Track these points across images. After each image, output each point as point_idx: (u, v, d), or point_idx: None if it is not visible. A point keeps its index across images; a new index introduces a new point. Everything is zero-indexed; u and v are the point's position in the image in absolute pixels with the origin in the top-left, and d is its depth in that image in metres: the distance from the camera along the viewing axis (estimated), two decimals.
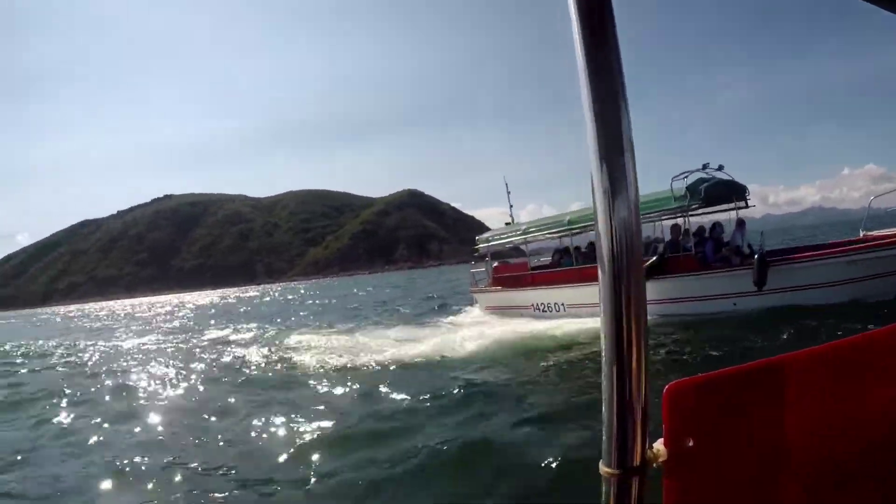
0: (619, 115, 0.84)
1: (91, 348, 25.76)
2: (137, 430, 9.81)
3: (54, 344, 30.05)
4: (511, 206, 24.89)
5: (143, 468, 7.60)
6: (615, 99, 0.84)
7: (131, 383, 14.48)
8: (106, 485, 7.26)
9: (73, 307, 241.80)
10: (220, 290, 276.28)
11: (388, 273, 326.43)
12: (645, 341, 0.89)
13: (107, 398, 12.61)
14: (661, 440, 0.98)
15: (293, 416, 9.32)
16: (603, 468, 0.95)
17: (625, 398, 0.90)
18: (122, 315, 71.82)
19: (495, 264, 24.22)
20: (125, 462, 7.78)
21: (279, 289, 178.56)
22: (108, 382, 15.01)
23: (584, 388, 9.54)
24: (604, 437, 0.94)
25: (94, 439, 9.12)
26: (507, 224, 24.23)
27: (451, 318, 23.37)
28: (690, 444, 0.98)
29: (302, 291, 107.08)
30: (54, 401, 12.89)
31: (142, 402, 12.24)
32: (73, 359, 21.94)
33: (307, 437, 8.16)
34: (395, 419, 8.73)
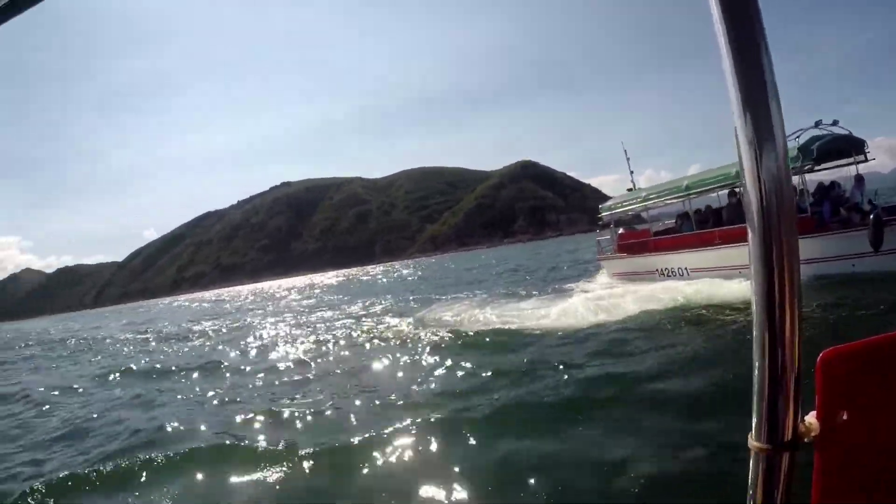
0: (761, 60, 0.80)
1: (264, 324, 29.43)
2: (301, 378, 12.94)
3: (230, 322, 34.77)
4: (632, 173, 25.70)
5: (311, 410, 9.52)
6: (755, 40, 0.79)
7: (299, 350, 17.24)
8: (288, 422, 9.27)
9: (209, 293, 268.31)
10: (342, 271, 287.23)
11: (507, 246, 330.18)
12: (799, 305, 0.85)
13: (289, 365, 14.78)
14: (813, 413, 0.93)
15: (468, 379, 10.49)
16: (752, 442, 0.92)
17: (777, 367, 0.86)
18: (258, 297, 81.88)
19: (620, 231, 25.16)
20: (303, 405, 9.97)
21: (403, 266, 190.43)
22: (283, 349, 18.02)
23: (724, 355, 9.57)
24: (753, 410, 0.91)
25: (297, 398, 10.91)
26: (628, 190, 25.27)
27: (579, 287, 23.86)
28: (845, 417, 0.92)
29: (425, 267, 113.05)
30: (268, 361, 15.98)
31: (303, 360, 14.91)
32: (274, 331, 24.84)
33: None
34: (546, 386, 9.24)
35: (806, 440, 0.91)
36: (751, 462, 0.92)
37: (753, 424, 0.91)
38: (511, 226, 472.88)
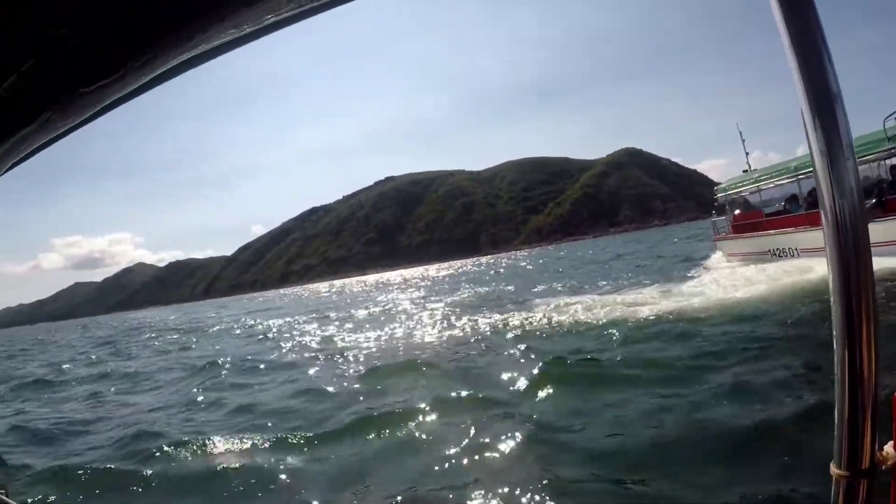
0: (824, 68, 0.86)
1: (400, 309, 33.79)
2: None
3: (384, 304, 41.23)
4: (747, 154, 27.97)
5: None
6: (817, 48, 0.86)
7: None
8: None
9: (323, 284, 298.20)
10: (447, 263, 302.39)
11: (613, 236, 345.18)
12: (876, 338, 0.86)
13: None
14: (891, 442, 0.96)
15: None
16: (833, 469, 0.94)
17: (856, 397, 0.88)
18: (388, 287, 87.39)
19: (737, 212, 27.24)
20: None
21: (509, 257, 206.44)
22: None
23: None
24: (835, 436, 0.93)
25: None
26: (744, 172, 27.55)
27: (698, 271, 25.57)
28: None
29: (535, 258, 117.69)
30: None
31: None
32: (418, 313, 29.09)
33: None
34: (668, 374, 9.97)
35: (884, 468, 0.93)
36: (832, 488, 0.95)
37: (834, 452, 0.93)
38: (616, 215, 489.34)
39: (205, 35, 1.32)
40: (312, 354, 19.05)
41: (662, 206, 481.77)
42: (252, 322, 43.91)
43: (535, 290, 31.80)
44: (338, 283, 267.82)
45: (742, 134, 27.95)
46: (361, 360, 16.29)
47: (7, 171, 2.23)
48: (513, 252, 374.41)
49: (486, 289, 41.22)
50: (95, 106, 1.79)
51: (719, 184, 30.32)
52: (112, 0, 1.33)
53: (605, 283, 28.67)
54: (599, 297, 21.34)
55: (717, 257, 28.28)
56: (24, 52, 1.60)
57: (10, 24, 1.47)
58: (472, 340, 16.81)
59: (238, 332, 36.19)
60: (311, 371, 16.05)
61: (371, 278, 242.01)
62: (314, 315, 40.76)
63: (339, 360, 16.82)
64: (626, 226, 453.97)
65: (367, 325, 26.00)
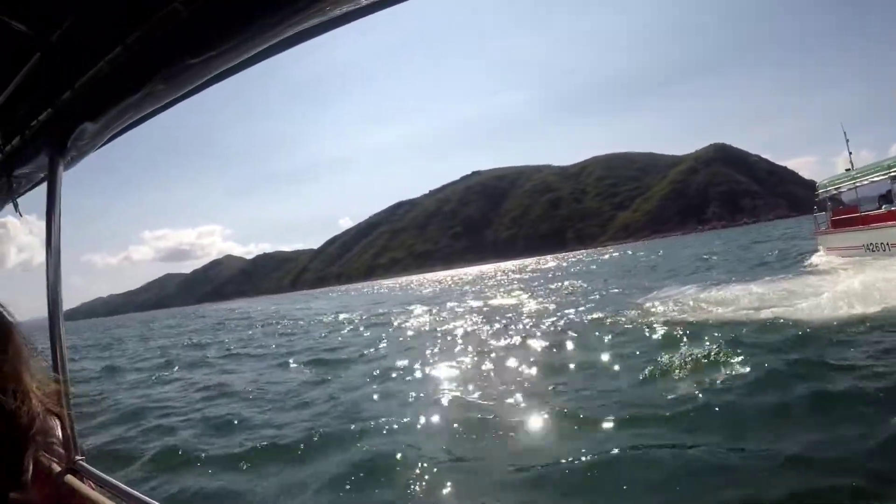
0: None
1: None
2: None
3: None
4: (850, 154, 29.21)
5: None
6: None
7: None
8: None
9: (414, 277, 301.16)
10: (534, 258, 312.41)
11: (702, 233, 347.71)
12: None
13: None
14: None
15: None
16: None
17: None
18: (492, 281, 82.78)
19: (840, 206, 28.81)
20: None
21: (598, 253, 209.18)
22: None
23: None
24: None
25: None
26: (846, 170, 28.66)
27: (803, 269, 25.94)
28: None
29: (626, 254, 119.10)
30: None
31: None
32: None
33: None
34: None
35: None
36: None
37: None
38: (704, 212, 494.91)
39: (311, 10, 1.39)
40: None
41: (752, 203, 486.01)
42: (382, 311, 42.96)
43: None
44: (429, 276, 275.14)
45: (846, 134, 29.48)
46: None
47: (111, 139, 2.37)
48: (601, 248, 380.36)
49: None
50: (201, 77, 1.82)
51: (812, 181, 32.99)
52: None
53: (710, 277, 28.39)
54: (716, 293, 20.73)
55: (819, 252, 29.90)
56: (131, 24, 1.69)
57: None
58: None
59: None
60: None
61: (463, 271, 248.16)
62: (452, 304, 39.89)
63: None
64: (714, 223, 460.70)
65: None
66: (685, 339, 13.33)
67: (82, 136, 2.23)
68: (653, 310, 19.30)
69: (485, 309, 31.61)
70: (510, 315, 25.95)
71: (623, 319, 18.26)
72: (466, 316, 28.68)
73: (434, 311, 34.55)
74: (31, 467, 1.03)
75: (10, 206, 2.94)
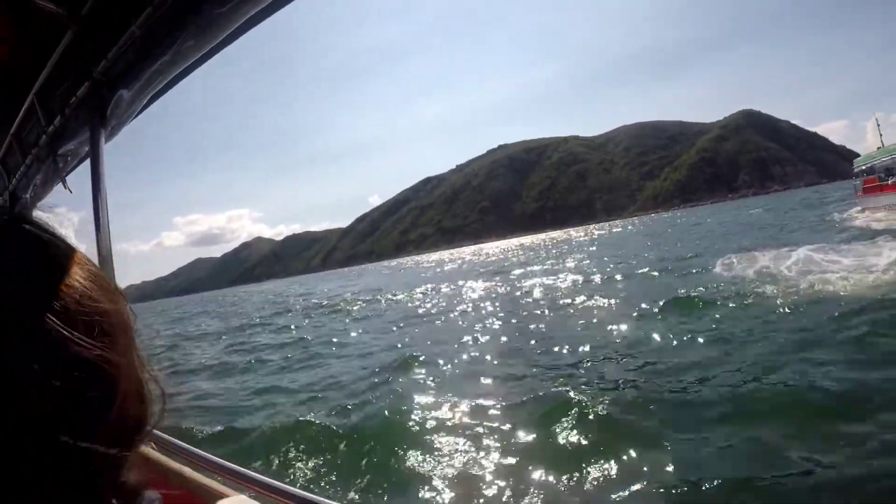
0: None
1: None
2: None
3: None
4: (881, 136, 39.85)
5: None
6: None
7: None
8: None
9: (433, 255, 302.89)
10: (563, 230, 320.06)
11: (732, 202, 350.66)
12: None
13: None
14: None
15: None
16: None
17: None
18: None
19: (873, 175, 37.07)
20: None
21: (627, 223, 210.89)
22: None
23: None
24: None
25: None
26: (878, 149, 37.83)
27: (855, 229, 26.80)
28: None
29: (658, 224, 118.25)
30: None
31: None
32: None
33: None
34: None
35: None
36: None
37: None
38: (734, 180, 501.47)
39: None
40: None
41: (783, 170, 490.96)
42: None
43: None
44: (463, 250, 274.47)
45: (878, 120, 40.97)
46: None
47: (148, 104, 2.50)
48: (630, 218, 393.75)
49: None
50: (229, 27, 1.89)
51: (842, 147, 74.88)
52: None
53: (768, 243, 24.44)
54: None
55: (857, 210, 37.77)
56: None
57: None
58: None
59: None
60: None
61: (489, 246, 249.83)
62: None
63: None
64: (745, 191, 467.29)
65: None
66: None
67: (120, 104, 2.35)
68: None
69: None
70: None
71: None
72: None
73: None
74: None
75: (59, 186, 3.22)
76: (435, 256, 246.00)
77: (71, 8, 2.06)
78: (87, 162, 2.61)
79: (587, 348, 11.50)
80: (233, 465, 1.94)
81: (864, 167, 39.21)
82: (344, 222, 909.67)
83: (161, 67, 2.13)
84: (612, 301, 17.34)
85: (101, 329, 0.53)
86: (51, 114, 2.76)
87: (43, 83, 2.59)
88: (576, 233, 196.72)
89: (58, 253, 0.55)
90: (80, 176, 2.97)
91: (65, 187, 3.16)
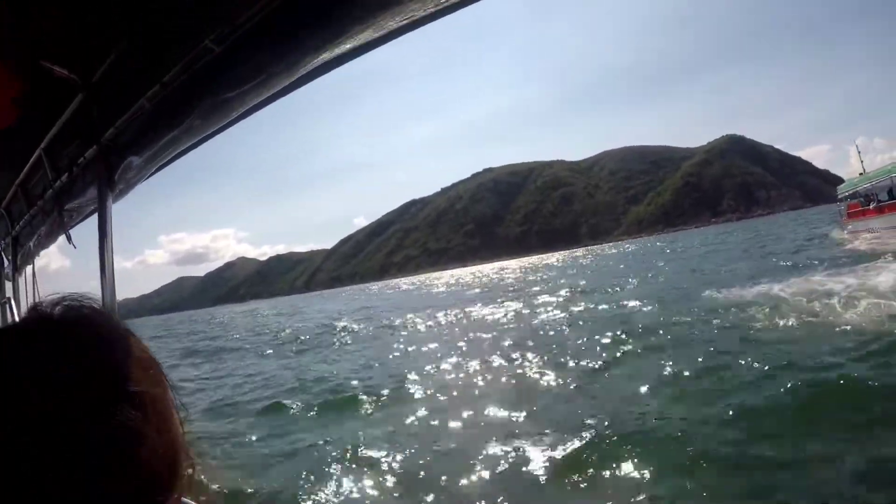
0: None
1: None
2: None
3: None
4: (861, 162, 42.91)
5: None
6: None
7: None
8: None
9: (420, 277, 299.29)
10: (547, 255, 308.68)
11: (717, 226, 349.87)
12: None
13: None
14: None
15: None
16: None
17: None
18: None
19: (851, 202, 41.15)
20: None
21: (612, 247, 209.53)
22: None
23: None
24: None
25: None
26: (860, 175, 41.19)
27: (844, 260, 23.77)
28: None
29: (643, 249, 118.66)
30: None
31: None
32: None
33: None
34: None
35: None
36: None
37: None
38: (719, 205, 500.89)
39: (336, 41, 1.50)
40: None
41: (766, 194, 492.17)
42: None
43: None
44: (445, 274, 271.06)
45: (859, 147, 44.99)
46: None
47: (156, 171, 2.53)
48: (615, 242, 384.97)
49: None
50: (237, 110, 1.95)
51: (826, 171, 76.35)
52: (251, 11, 1.53)
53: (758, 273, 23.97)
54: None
55: (842, 233, 40.65)
56: (167, 63, 1.87)
57: (157, 38, 1.79)
58: None
59: None
60: None
61: (484, 268, 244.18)
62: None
63: None
64: (729, 215, 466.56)
65: None
66: None
67: (129, 169, 2.37)
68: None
69: None
70: None
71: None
72: None
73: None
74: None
75: (62, 239, 3.31)
76: (421, 278, 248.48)
77: (83, 74, 2.13)
78: (92, 217, 2.63)
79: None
80: None
81: (847, 193, 42.39)
82: (328, 243, 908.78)
83: (170, 141, 2.16)
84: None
85: (154, 410, 0.59)
86: (58, 170, 2.83)
87: (51, 141, 2.68)
88: (559, 257, 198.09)
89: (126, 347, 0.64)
90: (85, 227, 2.95)
91: (69, 242, 3.21)
